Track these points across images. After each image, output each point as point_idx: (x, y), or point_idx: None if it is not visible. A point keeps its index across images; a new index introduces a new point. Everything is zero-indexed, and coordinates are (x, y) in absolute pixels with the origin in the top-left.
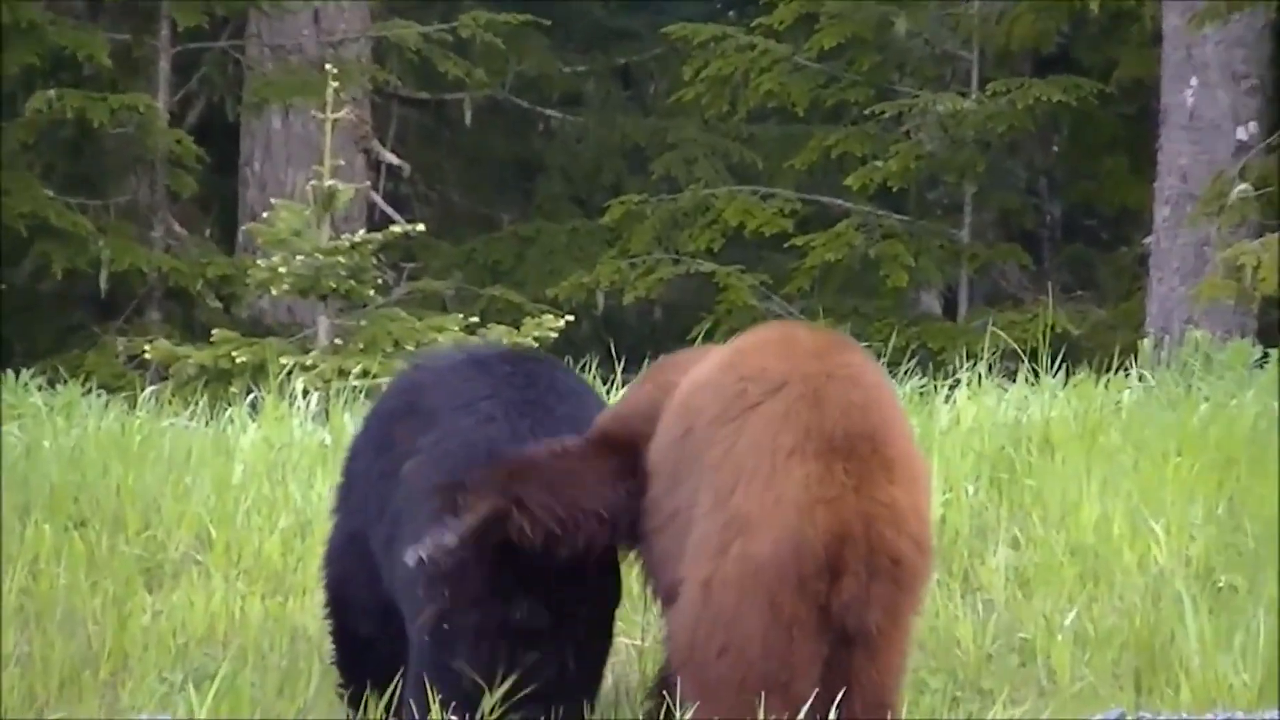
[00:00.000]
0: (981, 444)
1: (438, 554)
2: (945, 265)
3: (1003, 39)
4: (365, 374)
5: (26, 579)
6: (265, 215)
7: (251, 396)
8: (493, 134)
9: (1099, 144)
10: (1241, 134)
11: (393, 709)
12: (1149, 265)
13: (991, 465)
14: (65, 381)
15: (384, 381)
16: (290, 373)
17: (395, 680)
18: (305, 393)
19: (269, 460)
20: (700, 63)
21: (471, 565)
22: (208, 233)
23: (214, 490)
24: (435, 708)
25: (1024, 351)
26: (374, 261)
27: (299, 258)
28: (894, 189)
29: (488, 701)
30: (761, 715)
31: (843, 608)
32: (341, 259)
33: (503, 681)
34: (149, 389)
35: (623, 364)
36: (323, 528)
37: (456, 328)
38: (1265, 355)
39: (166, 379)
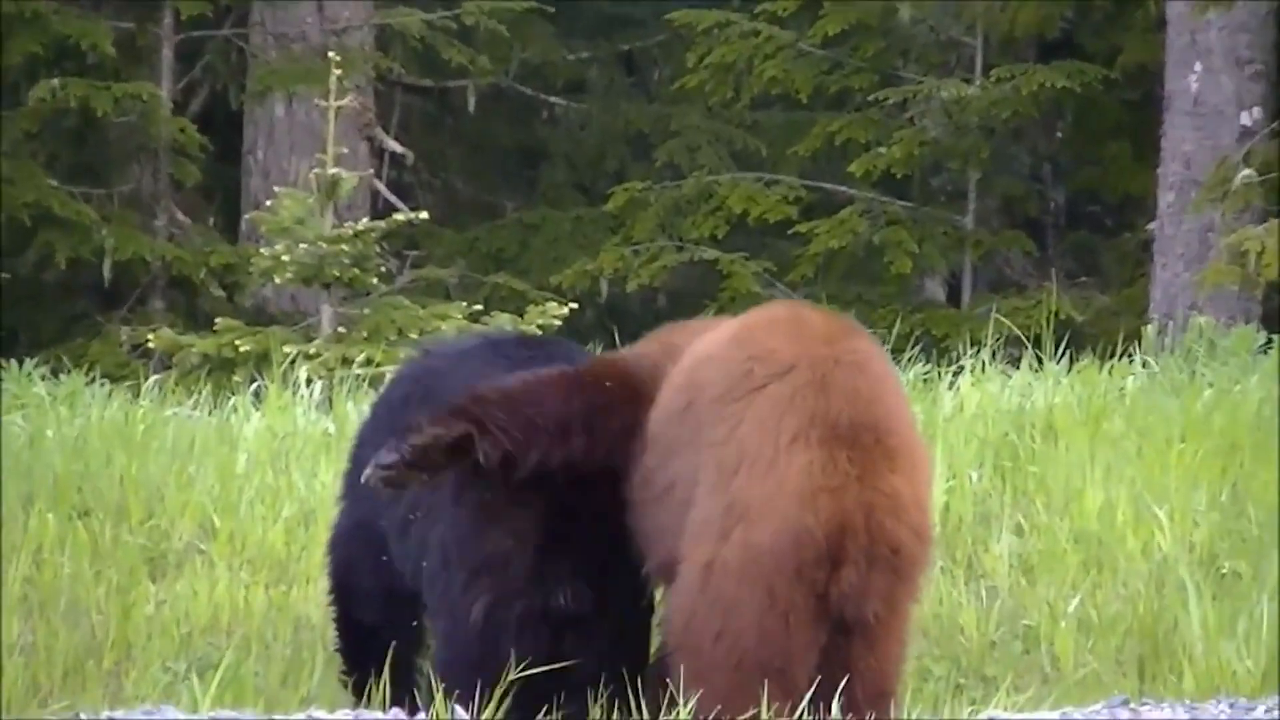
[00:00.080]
0: (985, 431)
1: (378, 473)
2: (949, 252)
3: (1007, 25)
4: (369, 362)
5: (30, 568)
6: (269, 203)
7: (255, 385)
8: (496, 121)
9: (1103, 130)
10: (1245, 119)
11: (392, 696)
12: (1153, 251)
13: (995, 452)
14: (69, 371)
15: (387, 370)
16: (294, 361)
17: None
18: (309, 381)
19: (272, 449)
20: (704, 49)
21: (515, 554)
22: (211, 221)
23: (217, 479)
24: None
25: (1028, 338)
26: (377, 249)
27: (302, 246)
28: (898, 175)
29: (531, 689)
30: (765, 706)
31: (842, 597)
32: (345, 247)
33: (547, 667)
34: (152, 378)
35: None
36: (326, 517)
37: (460, 316)
38: (1269, 341)
39: (170, 368)
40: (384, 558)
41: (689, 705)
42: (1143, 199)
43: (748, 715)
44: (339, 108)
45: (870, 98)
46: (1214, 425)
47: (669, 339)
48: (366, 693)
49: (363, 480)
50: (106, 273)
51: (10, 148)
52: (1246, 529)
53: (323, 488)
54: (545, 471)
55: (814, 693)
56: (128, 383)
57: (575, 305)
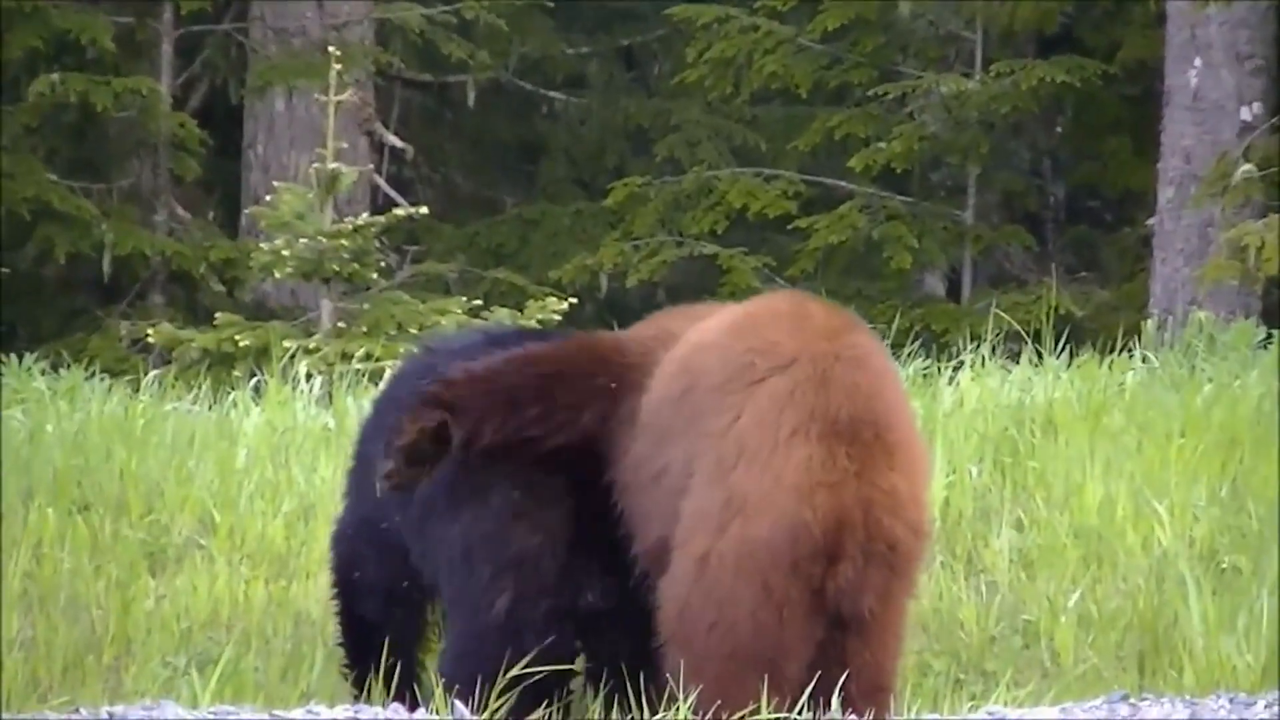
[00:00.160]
0: (985, 426)
1: (383, 484)
2: (949, 247)
3: (1006, 20)
4: (368, 357)
5: (30, 563)
6: (268, 198)
7: (254, 380)
8: (496, 116)
9: (1103, 125)
10: (1245, 114)
11: (395, 690)
12: (1153, 246)
13: (995, 447)
14: (68, 366)
15: (387, 365)
16: (293, 356)
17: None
18: (308, 376)
19: (272, 444)
20: (703, 44)
21: (543, 552)
22: (211, 216)
23: (217, 474)
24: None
25: (1027, 333)
26: (377, 244)
27: (302, 241)
28: (897, 170)
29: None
30: (759, 697)
31: (838, 592)
32: (344, 242)
33: (572, 664)
34: (152, 373)
35: None
36: (326, 511)
37: (460, 311)
38: (1269, 336)
39: (169, 363)
40: (390, 553)
41: (689, 701)
42: (1143, 194)
43: (740, 706)
44: (339, 103)
45: (870, 93)
46: (1214, 420)
47: (666, 324)
48: (367, 687)
49: (377, 495)
50: (106, 267)
51: (10, 142)
52: (1246, 524)
53: (322, 482)
54: (505, 444)
55: (811, 688)
56: (127, 378)
57: (575, 300)
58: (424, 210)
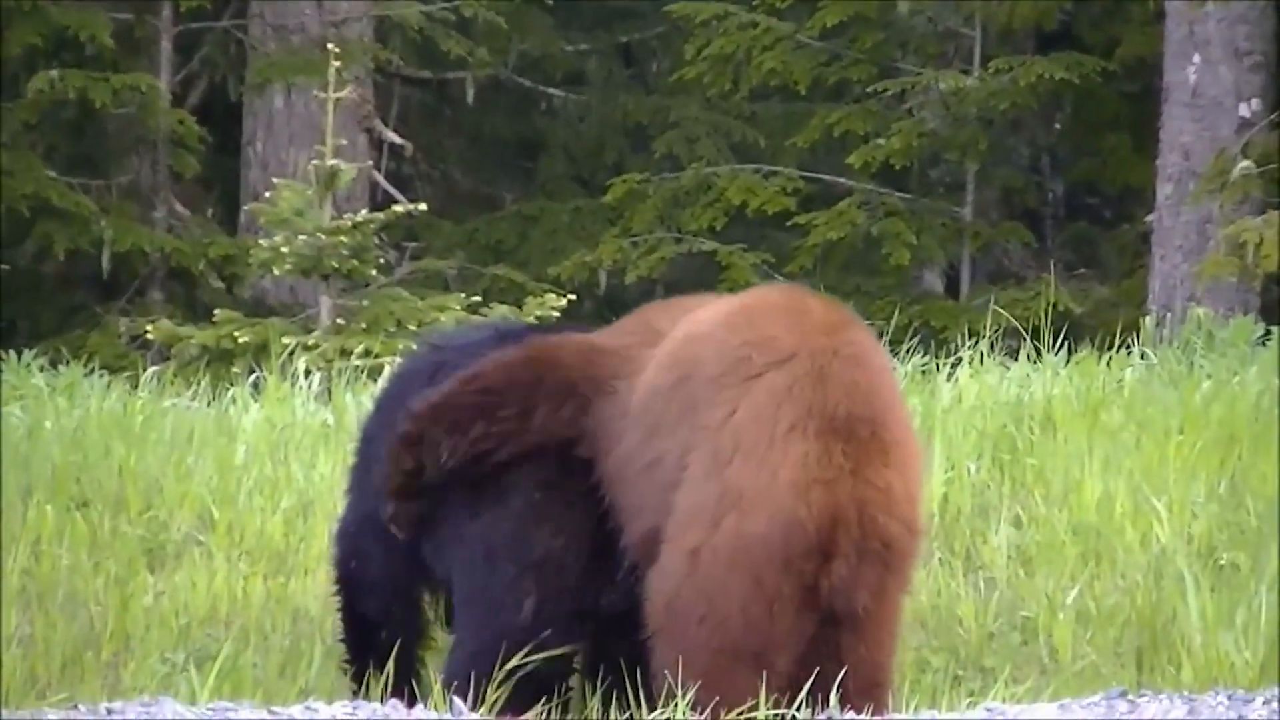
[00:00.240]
0: (983, 422)
1: (393, 526)
2: (947, 243)
3: (1005, 16)
4: (367, 354)
5: (29, 560)
6: (267, 195)
7: (254, 377)
8: (495, 113)
9: (1101, 121)
10: (1244, 111)
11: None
12: (1151, 243)
13: (994, 444)
14: (67, 362)
15: (386, 361)
16: (292, 353)
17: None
18: (307, 373)
19: (271, 440)
20: (702, 41)
21: (567, 554)
22: (210, 213)
23: (216, 471)
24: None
25: (1026, 330)
26: (376, 241)
27: (301, 237)
28: (896, 167)
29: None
30: (744, 689)
31: (831, 589)
32: (344, 239)
33: (591, 664)
34: (151, 369)
35: None
36: (325, 508)
37: (459, 307)
38: (1267, 333)
39: (168, 359)
40: (393, 550)
41: (687, 699)
42: (1141, 190)
43: (727, 699)
44: (338, 99)
45: (869, 89)
46: (1212, 417)
47: (651, 318)
48: (365, 683)
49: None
50: (105, 264)
51: (9, 139)
52: (1245, 520)
53: (321, 479)
54: (463, 464)
55: (804, 684)
56: (126, 374)
57: (574, 297)
58: (423, 207)
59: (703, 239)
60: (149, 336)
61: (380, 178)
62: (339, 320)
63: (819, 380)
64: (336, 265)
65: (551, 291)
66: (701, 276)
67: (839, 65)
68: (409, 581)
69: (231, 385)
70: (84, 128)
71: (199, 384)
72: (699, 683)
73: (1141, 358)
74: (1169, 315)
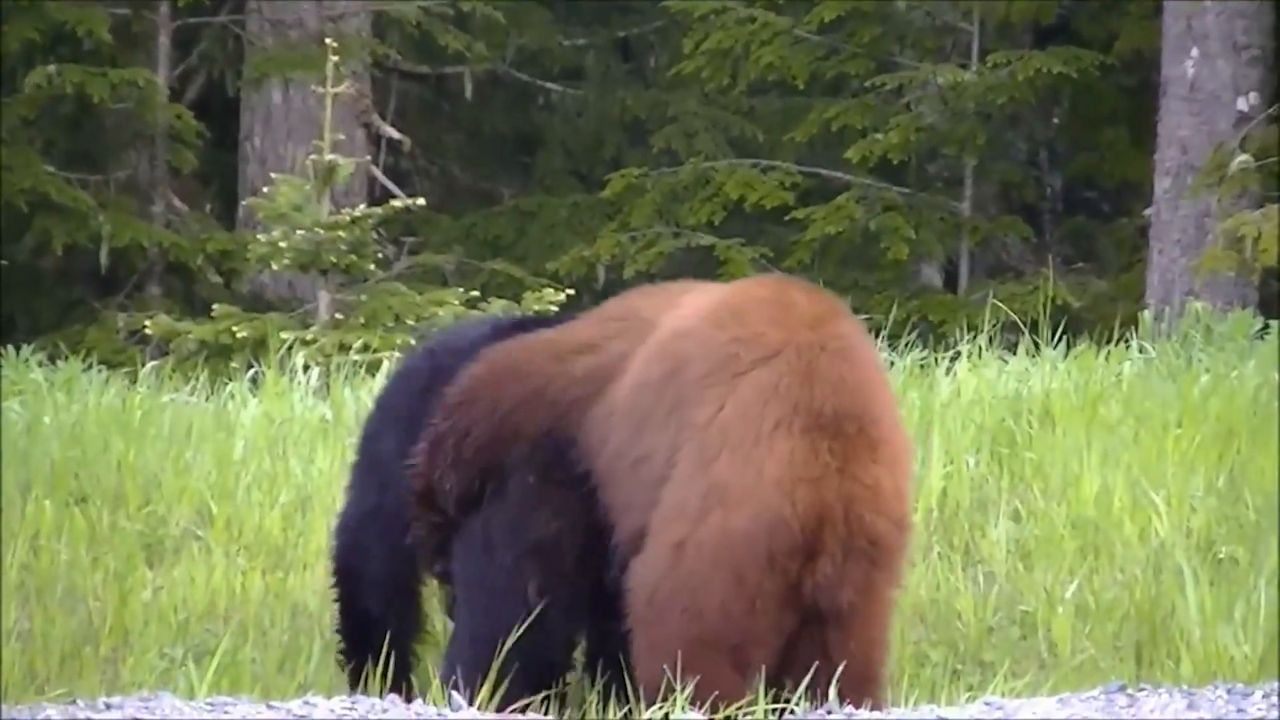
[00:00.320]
0: (982, 416)
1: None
2: (946, 238)
3: (1003, 10)
4: (366, 348)
5: (27, 555)
6: (265, 190)
7: (252, 372)
8: (493, 108)
9: (1100, 116)
10: (1242, 105)
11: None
12: (1149, 237)
13: (992, 438)
14: (66, 357)
15: (384, 356)
16: (291, 348)
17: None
18: (306, 368)
19: (269, 435)
20: (700, 35)
21: (565, 537)
22: (208, 208)
23: (214, 466)
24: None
25: (1024, 324)
26: (374, 236)
27: (299, 232)
28: (894, 161)
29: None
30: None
31: (816, 587)
32: (342, 234)
33: (591, 658)
34: (149, 364)
35: None
36: (323, 503)
37: (457, 302)
38: (1266, 326)
39: (167, 354)
40: (394, 545)
41: (685, 690)
42: (1139, 184)
43: (702, 689)
44: (336, 94)
45: (867, 84)
46: (1211, 411)
47: (637, 304)
48: (364, 678)
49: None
50: (103, 259)
51: (7, 134)
52: (1243, 514)
53: (320, 474)
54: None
55: (796, 680)
56: (125, 369)
57: (572, 291)
58: (421, 202)
59: (701, 234)
60: (147, 331)
61: (378, 173)
62: (337, 315)
63: (806, 377)
64: (335, 260)
65: (550, 286)
66: (700, 271)
67: (837, 60)
68: (408, 577)
69: (230, 380)
70: (82, 123)
71: (197, 379)
72: (674, 670)
73: (1140, 352)
74: (1167, 309)
